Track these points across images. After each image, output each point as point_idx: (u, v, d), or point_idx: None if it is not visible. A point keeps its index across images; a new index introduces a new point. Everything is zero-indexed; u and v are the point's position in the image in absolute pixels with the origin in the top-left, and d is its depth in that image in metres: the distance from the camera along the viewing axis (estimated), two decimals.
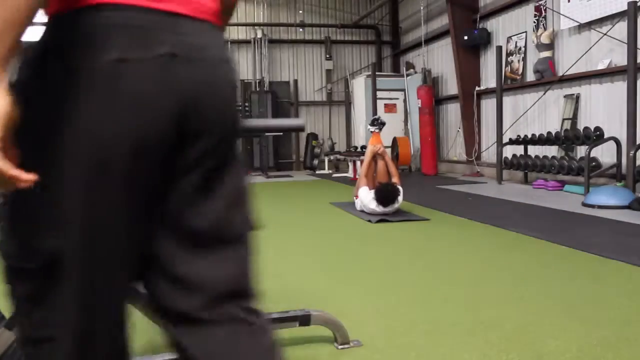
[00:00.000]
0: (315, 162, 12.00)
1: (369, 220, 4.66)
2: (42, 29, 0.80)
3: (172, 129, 0.80)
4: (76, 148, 0.76)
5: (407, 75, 11.37)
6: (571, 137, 6.55)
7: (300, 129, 1.59)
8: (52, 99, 0.76)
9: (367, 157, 5.29)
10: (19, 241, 0.82)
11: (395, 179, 5.11)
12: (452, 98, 10.37)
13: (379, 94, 11.00)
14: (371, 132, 5.67)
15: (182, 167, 0.85)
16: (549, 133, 7.01)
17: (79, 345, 0.84)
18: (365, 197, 4.91)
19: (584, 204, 5.20)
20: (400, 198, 4.86)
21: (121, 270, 0.86)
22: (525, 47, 8.25)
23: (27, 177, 0.69)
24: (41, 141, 0.77)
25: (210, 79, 0.84)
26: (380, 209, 4.79)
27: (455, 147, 10.48)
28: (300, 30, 12.91)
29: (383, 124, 5.73)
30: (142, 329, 2.09)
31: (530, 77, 8.06)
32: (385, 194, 4.75)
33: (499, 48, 7.94)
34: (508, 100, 8.54)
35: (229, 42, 12.49)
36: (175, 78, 0.79)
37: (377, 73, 11.20)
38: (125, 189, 0.79)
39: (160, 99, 0.78)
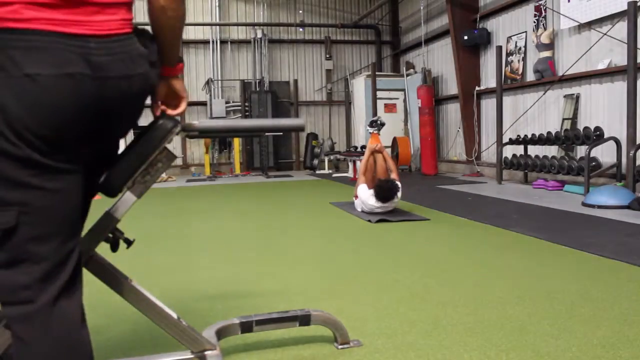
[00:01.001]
0: (315, 162, 12.01)
1: (369, 220, 4.66)
2: None
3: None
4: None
5: (407, 75, 11.37)
6: (571, 137, 6.55)
7: (300, 128, 1.58)
8: None
9: (365, 155, 5.31)
10: None
11: (394, 175, 5.12)
12: (452, 98, 10.37)
13: (379, 94, 11.01)
14: (370, 133, 5.67)
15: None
16: (549, 133, 7.01)
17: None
18: (365, 194, 4.92)
19: (584, 204, 5.20)
20: (399, 194, 4.87)
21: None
22: (525, 47, 8.25)
23: None
24: None
25: (109, 94, 1.07)
26: (379, 204, 4.79)
27: (455, 147, 10.48)
28: (300, 30, 12.91)
29: (382, 124, 5.73)
30: (143, 328, 2.09)
31: (530, 77, 8.06)
32: (384, 190, 4.76)
33: (499, 48, 7.94)
34: (508, 100, 8.54)
35: (229, 42, 12.51)
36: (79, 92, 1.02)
37: (377, 73, 11.21)
38: None
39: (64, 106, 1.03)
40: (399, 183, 4.92)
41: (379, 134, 5.62)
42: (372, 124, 5.73)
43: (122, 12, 1.09)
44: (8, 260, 1.04)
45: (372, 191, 4.84)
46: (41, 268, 1.06)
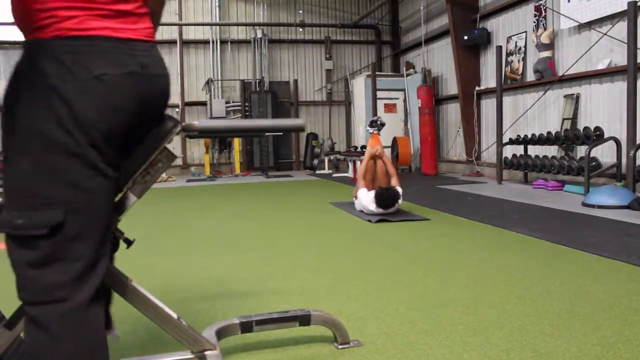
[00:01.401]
0: (315, 162, 12.01)
1: (369, 220, 4.66)
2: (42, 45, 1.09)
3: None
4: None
5: (407, 75, 11.37)
6: (571, 137, 6.55)
7: (300, 129, 1.58)
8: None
9: (365, 159, 5.30)
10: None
11: (394, 180, 5.11)
12: (452, 98, 10.37)
13: (379, 94, 11.01)
14: (370, 133, 5.67)
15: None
16: (549, 133, 7.01)
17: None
18: (365, 199, 4.91)
19: (584, 204, 5.20)
20: (400, 201, 4.88)
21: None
22: (525, 47, 8.25)
23: None
24: None
25: (154, 91, 1.21)
26: (379, 211, 4.80)
27: (455, 147, 10.49)
28: (300, 30, 12.91)
29: (382, 124, 5.72)
30: (143, 328, 2.09)
31: (530, 77, 8.06)
32: (385, 199, 4.76)
33: (499, 48, 7.94)
34: (508, 100, 8.54)
35: (229, 42, 12.51)
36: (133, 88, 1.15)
37: (377, 73, 11.21)
38: None
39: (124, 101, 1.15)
40: (399, 189, 4.92)
41: (379, 134, 5.62)
42: (372, 124, 5.73)
43: (149, 21, 1.24)
44: (46, 257, 1.07)
45: (372, 197, 4.84)
46: (77, 267, 1.09)
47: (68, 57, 1.07)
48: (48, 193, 1.07)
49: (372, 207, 4.82)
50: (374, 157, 5.26)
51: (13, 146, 1.10)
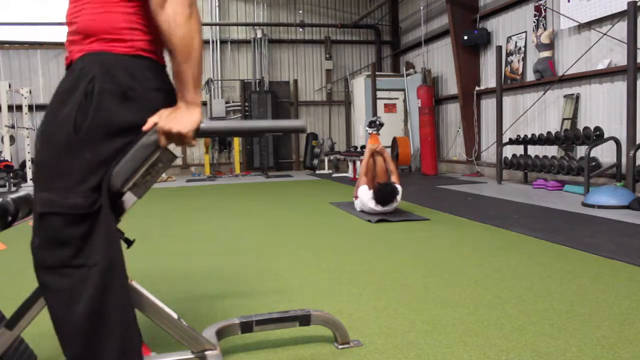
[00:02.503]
0: (315, 162, 12.01)
1: (369, 220, 4.66)
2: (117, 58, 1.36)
3: None
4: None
5: (407, 75, 11.38)
6: (571, 137, 6.55)
7: (301, 130, 1.58)
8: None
9: (365, 155, 5.30)
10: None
11: (394, 177, 5.11)
12: (452, 98, 10.37)
13: (379, 94, 11.01)
14: (369, 133, 5.66)
15: None
16: (548, 133, 7.01)
17: (111, 264, 1.35)
18: (365, 196, 4.92)
19: (584, 204, 5.21)
20: (399, 197, 4.87)
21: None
22: (525, 47, 8.25)
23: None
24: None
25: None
26: (379, 208, 4.80)
27: (455, 147, 10.49)
28: (300, 30, 12.92)
29: (381, 125, 5.72)
30: (143, 328, 2.09)
31: (530, 77, 8.06)
32: (384, 194, 4.76)
33: (499, 48, 7.94)
34: (508, 100, 8.55)
35: (229, 42, 12.51)
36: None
37: (377, 73, 11.21)
38: None
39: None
40: (399, 186, 4.92)
41: (378, 134, 5.62)
42: (371, 124, 5.72)
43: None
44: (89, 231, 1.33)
45: (372, 194, 4.84)
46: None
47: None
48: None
49: (371, 204, 4.82)
50: (374, 154, 5.26)
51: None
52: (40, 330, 2.02)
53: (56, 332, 1.33)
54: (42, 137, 1.36)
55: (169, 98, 1.40)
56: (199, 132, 1.39)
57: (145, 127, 1.36)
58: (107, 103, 1.32)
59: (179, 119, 1.34)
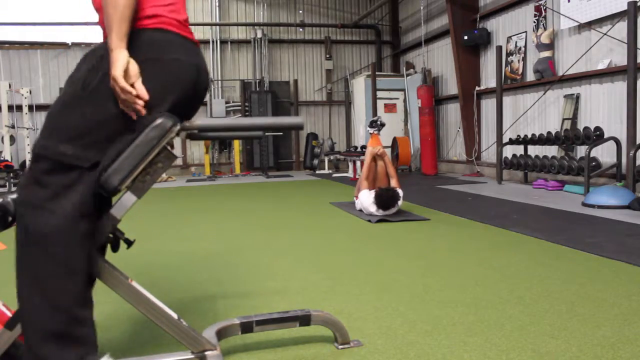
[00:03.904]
0: (315, 162, 12.01)
1: (369, 220, 4.66)
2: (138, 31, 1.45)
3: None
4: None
5: (407, 75, 11.37)
6: (571, 137, 6.55)
7: (299, 127, 1.58)
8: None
9: (367, 159, 5.29)
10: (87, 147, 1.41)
11: (394, 181, 5.11)
12: (452, 98, 10.37)
13: (379, 94, 11.01)
14: (370, 133, 5.66)
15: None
16: (549, 133, 7.01)
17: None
18: (366, 201, 4.91)
19: (584, 204, 5.20)
20: (399, 202, 4.87)
21: None
22: (525, 47, 8.25)
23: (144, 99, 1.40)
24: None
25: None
26: (380, 212, 4.80)
27: (455, 147, 10.49)
28: (300, 30, 12.91)
29: (382, 125, 5.72)
30: (143, 328, 2.09)
31: (530, 77, 8.06)
32: (385, 199, 4.76)
33: (499, 48, 7.94)
34: (508, 100, 8.55)
35: (229, 42, 12.52)
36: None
37: (377, 73, 11.21)
38: None
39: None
40: (399, 191, 4.92)
41: (379, 134, 5.61)
42: (372, 124, 5.72)
43: None
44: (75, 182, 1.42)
45: (373, 199, 4.83)
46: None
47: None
48: (108, 137, 1.42)
49: (372, 208, 4.82)
50: (375, 157, 5.26)
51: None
52: None
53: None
54: (60, 93, 1.48)
55: (188, 69, 1.50)
56: (201, 131, 1.42)
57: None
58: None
59: (111, 64, 1.38)
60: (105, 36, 1.46)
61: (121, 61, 1.36)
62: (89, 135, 1.40)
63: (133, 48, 1.41)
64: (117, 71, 1.35)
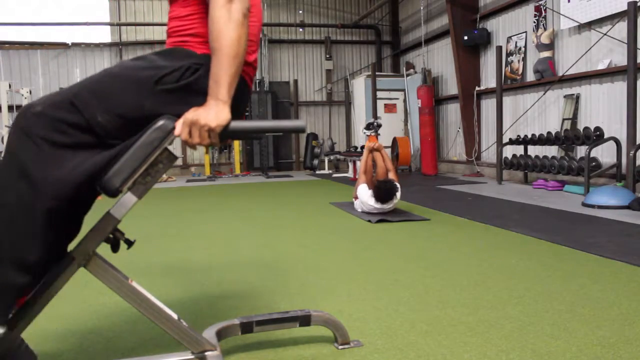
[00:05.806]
0: (315, 162, 12.01)
1: (369, 221, 4.66)
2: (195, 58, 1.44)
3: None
4: None
5: (407, 75, 11.37)
6: (571, 137, 6.55)
7: (301, 130, 1.58)
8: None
9: (364, 154, 5.32)
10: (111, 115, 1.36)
11: (391, 175, 5.13)
12: (452, 98, 10.37)
13: (379, 94, 11.01)
14: (367, 136, 5.64)
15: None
16: (549, 133, 7.01)
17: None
18: (364, 194, 4.93)
19: (584, 204, 5.21)
20: (398, 194, 4.88)
21: None
22: (525, 47, 8.25)
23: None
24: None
25: None
26: (379, 205, 4.81)
27: (455, 147, 10.49)
28: (300, 30, 12.91)
29: (379, 126, 5.70)
30: (143, 328, 2.09)
31: (530, 77, 8.06)
32: (383, 192, 4.77)
33: (499, 48, 7.94)
34: (508, 100, 8.55)
35: None
36: None
37: (377, 73, 11.21)
38: None
39: None
40: (397, 184, 4.94)
41: (377, 136, 5.60)
42: (369, 126, 5.71)
43: None
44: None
45: (371, 192, 4.85)
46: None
47: None
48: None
49: (371, 202, 4.83)
50: (373, 151, 5.28)
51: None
52: (40, 330, 2.03)
53: None
54: (122, 64, 1.44)
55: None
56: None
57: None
58: (195, 87, 1.40)
59: (207, 111, 1.34)
60: (176, 42, 1.47)
61: (223, 118, 1.34)
62: (130, 123, 1.37)
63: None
64: (213, 123, 1.33)
